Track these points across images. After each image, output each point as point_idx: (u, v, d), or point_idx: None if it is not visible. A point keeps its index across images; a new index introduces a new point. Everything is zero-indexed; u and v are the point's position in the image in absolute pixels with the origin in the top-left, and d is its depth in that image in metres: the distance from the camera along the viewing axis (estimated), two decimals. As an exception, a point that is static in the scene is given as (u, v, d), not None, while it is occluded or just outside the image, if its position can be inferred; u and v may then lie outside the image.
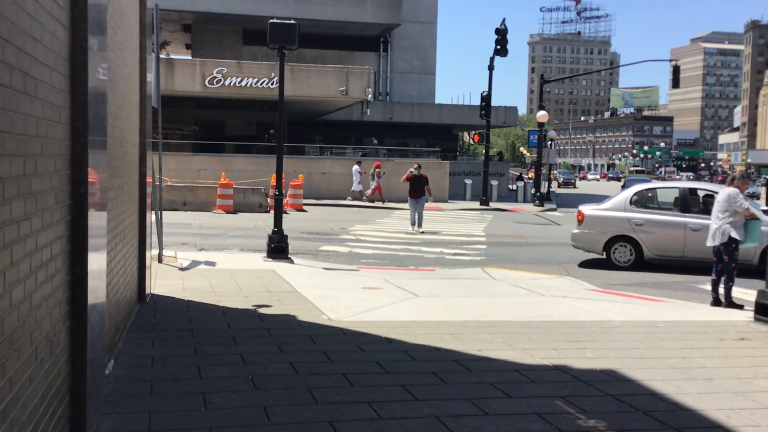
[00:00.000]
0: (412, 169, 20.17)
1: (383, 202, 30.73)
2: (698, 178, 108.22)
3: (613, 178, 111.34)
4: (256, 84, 31.19)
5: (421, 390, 5.46)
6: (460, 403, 5.18)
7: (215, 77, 30.92)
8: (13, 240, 2.99)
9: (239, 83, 31.13)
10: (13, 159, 2.97)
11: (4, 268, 2.87)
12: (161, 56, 16.36)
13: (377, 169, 31.19)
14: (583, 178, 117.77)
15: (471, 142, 56.53)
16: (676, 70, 37.61)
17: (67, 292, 4.00)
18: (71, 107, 3.99)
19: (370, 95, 33.41)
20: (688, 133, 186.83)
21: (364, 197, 31.07)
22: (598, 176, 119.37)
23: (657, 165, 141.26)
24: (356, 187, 31.08)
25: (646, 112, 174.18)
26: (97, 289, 4.44)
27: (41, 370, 3.46)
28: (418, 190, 19.64)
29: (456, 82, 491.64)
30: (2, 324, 2.85)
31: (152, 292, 8.94)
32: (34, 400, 3.34)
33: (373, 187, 31.03)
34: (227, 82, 31.04)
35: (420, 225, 19.64)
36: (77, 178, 4.05)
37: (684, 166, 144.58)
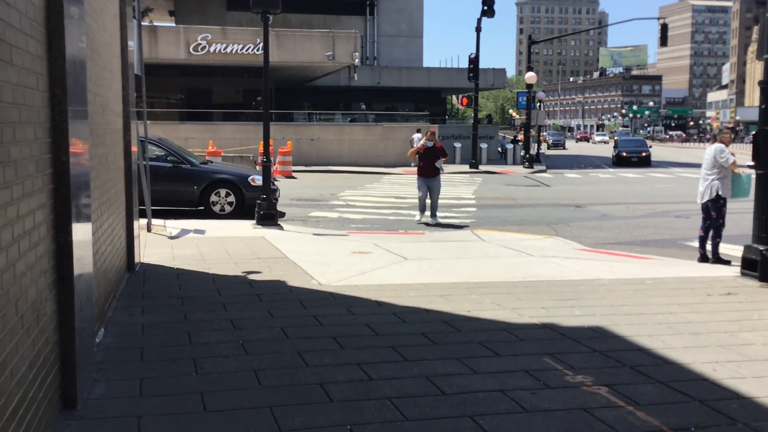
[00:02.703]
0: (422, 138, 15.05)
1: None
2: (688, 137, 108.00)
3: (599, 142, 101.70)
4: (241, 50, 30.86)
5: (410, 351, 5.50)
6: (449, 363, 5.23)
7: (200, 44, 30.58)
8: (-6, 208, 2.97)
9: (224, 50, 30.80)
10: (-10, 127, 2.94)
11: (-15, 236, 2.85)
12: (144, 23, 16.16)
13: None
14: (583, 138, 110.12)
15: (460, 105, 56.28)
16: (664, 28, 37.41)
17: (52, 261, 3.99)
18: (49, 74, 3.94)
19: (357, 60, 33.16)
20: (676, 92, 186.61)
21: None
22: (606, 137, 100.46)
23: (646, 124, 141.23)
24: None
25: (634, 72, 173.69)
26: (83, 258, 4.42)
27: (28, 339, 3.47)
28: (430, 167, 14.51)
29: (444, 45, 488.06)
30: (-14, 293, 2.85)
31: (142, 261, 8.94)
32: (22, 368, 3.34)
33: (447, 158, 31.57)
34: (212, 49, 30.70)
35: (434, 214, 14.44)
36: (58, 146, 4.02)
37: (673, 125, 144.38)
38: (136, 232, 8.52)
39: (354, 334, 5.97)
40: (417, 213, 14.89)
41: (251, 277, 8.30)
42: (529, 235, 12.90)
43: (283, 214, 13.83)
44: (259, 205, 12.82)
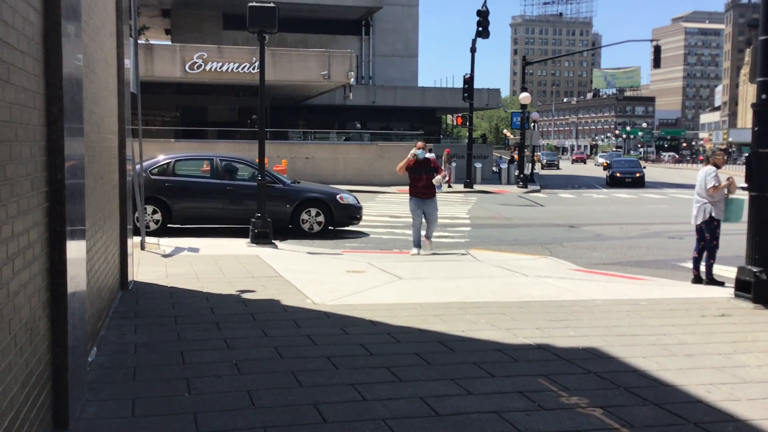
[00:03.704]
0: (414, 150, 12.56)
1: (449, 186, 32.71)
2: (680, 158, 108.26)
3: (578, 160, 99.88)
4: (237, 69, 30.97)
5: (405, 371, 5.48)
6: (443, 383, 5.21)
7: (195, 62, 30.67)
8: (-12, 227, 2.96)
9: (220, 68, 30.89)
10: (-14, 145, 2.94)
11: (-21, 255, 2.84)
12: (140, 42, 16.22)
13: (448, 156, 33.92)
14: (579, 159, 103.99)
15: (454, 125, 56.50)
16: (657, 50, 37.71)
17: (46, 279, 3.97)
18: (46, 92, 3.94)
19: (352, 79, 33.29)
20: (669, 113, 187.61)
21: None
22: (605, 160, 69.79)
23: (639, 145, 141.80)
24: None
25: (628, 93, 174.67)
26: (77, 276, 4.41)
27: (21, 358, 3.44)
28: (425, 184, 12.44)
29: (439, 65, 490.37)
30: (-21, 311, 2.83)
31: (135, 279, 8.90)
32: (15, 387, 3.32)
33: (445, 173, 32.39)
34: (208, 68, 30.80)
35: (430, 235, 12.73)
36: (54, 164, 4.01)
37: (666, 146, 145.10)
38: (129, 250, 8.49)
39: (348, 353, 5.94)
40: (412, 244, 12.66)
41: (245, 295, 8.27)
42: (523, 255, 12.91)
43: (366, 235, 14.54)
44: (254, 224, 12.80)
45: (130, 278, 8.53)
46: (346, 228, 15.81)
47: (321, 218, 14.87)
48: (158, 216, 14.34)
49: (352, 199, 15.44)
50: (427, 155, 12.77)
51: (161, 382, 5.10)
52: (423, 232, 12.71)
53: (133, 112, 9.70)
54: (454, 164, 35.41)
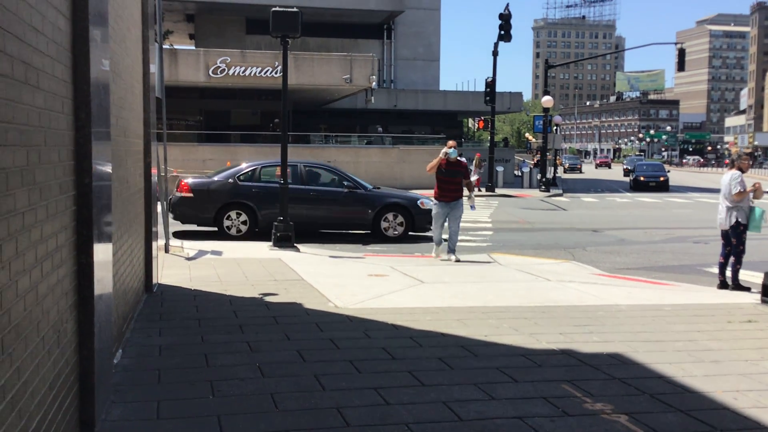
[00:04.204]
0: (446, 149, 12.09)
1: (477, 190, 32.55)
2: (705, 162, 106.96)
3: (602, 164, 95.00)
4: (259, 73, 31.14)
5: (427, 375, 5.47)
6: (466, 388, 5.20)
7: (219, 67, 30.88)
8: (18, 230, 3.01)
9: (243, 73, 31.08)
10: (17, 150, 2.98)
11: (9, 258, 2.88)
12: (164, 47, 16.38)
13: (479, 159, 34.06)
14: (603, 164, 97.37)
15: (476, 128, 56.37)
16: (681, 53, 37.39)
17: (74, 282, 4.02)
18: (74, 98, 3.99)
19: (374, 83, 33.35)
20: (694, 117, 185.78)
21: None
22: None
23: (663, 149, 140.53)
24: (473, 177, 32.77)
25: (652, 96, 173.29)
26: (103, 279, 4.46)
27: (49, 360, 3.49)
28: (452, 187, 12.08)
29: (460, 69, 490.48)
30: (9, 314, 2.87)
31: (159, 281, 8.98)
32: (43, 389, 3.36)
33: (475, 178, 32.45)
34: (231, 72, 31.00)
35: (453, 249, 12.11)
36: (81, 169, 4.06)
37: (690, 149, 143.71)
38: (154, 253, 8.57)
39: (370, 357, 5.95)
40: (435, 248, 12.41)
41: (268, 299, 8.31)
42: (546, 260, 12.84)
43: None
44: (276, 227, 12.86)
45: (154, 281, 8.60)
46: (425, 234, 15.66)
47: (402, 223, 15.05)
48: (245, 219, 14.60)
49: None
50: (457, 156, 12.26)
51: (186, 385, 5.13)
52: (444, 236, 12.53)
53: (157, 116, 9.79)
54: (483, 168, 35.44)
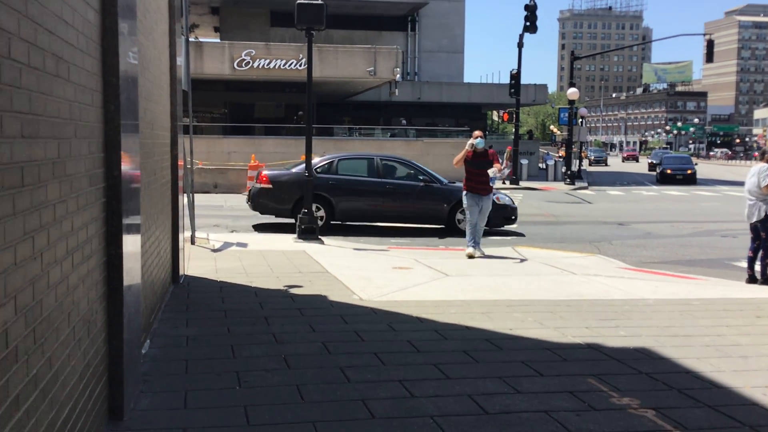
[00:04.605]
0: (472, 140, 11.66)
1: (503, 183, 32.85)
2: (733, 155, 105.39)
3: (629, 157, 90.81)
4: (284, 66, 31.22)
5: (452, 368, 5.47)
6: (491, 381, 5.18)
7: (244, 60, 31.01)
8: (50, 222, 3.04)
9: (267, 65, 31.18)
10: (48, 142, 3.01)
11: (41, 249, 2.92)
12: (190, 39, 16.51)
13: (510, 152, 34.32)
14: (630, 157, 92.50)
15: (500, 121, 56.07)
16: (710, 45, 36.87)
17: (103, 273, 4.06)
18: (103, 90, 4.03)
19: (398, 75, 33.28)
20: (722, 109, 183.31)
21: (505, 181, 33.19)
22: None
23: (690, 141, 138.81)
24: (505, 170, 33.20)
25: (679, 88, 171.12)
26: (132, 270, 4.50)
27: (79, 350, 3.53)
28: (481, 179, 11.59)
29: (485, 61, 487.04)
30: (41, 304, 2.91)
31: (186, 273, 9.05)
32: (73, 379, 3.40)
33: (507, 171, 32.98)
34: (256, 65, 31.11)
35: (479, 240, 11.76)
36: (110, 161, 4.10)
37: (718, 142, 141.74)
38: (181, 244, 8.64)
39: (395, 350, 5.95)
40: (467, 243, 11.73)
41: (293, 291, 8.35)
42: (571, 253, 12.76)
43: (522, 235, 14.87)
44: (301, 220, 12.90)
45: (181, 272, 8.68)
46: (502, 228, 15.72)
47: None
48: (322, 213, 14.53)
49: (508, 200, 15.48)
50: (485, 146, 11.82)
51: (212, 375, 5.18)
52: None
53: (184, 109, 9.86)
54: (509, 161, 35.44)
